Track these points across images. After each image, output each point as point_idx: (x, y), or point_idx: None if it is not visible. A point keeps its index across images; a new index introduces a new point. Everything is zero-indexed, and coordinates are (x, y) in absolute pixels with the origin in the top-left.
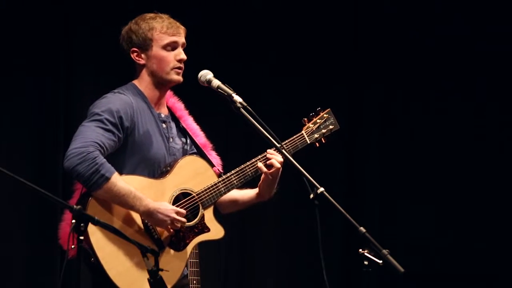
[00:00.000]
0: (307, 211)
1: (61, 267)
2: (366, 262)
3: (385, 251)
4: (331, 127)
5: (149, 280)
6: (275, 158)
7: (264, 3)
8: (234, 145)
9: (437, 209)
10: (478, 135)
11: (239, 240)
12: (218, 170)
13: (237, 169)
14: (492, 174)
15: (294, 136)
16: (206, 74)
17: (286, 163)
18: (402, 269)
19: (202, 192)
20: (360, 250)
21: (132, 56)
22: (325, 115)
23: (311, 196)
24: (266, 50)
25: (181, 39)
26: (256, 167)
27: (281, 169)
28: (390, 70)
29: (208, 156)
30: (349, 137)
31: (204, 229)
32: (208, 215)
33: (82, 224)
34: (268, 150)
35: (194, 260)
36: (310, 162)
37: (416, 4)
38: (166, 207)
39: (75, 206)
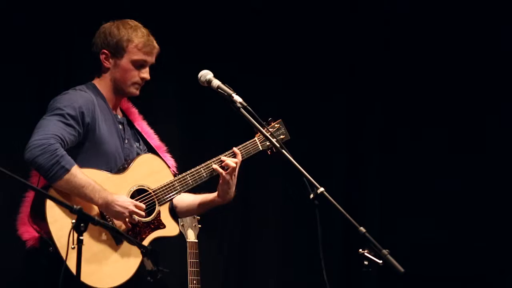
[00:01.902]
0: (307, 211)
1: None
2: (366, 262)
3: (385, 251)
4: (282, 136)
5: (149, 281)
6: (231, 159)
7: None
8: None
9: (437, 209)
10: (477, 135)
11: (239, 240)
12: (173, 171)
13: (192, 169)
14: (492, 175)
15: (247, 142)
16: (206, 74)
17: (286, 163)
18: (402, 269)
19: (159, 189)
20: (360, 250)
21: (100, 56)
22: (276, 125)
23: (311, 196)
24: (267, 59)
25: (152, 59)
26: (211, 168)
27: (237, 169)
28: (391, 77)
29: (163, 158)
30: (350, 138)
31: (160, 225)
32: (164, 212)
33: (82, 224)
34: (222, 155)
35: (194, 260)
36: (311, 163)
37: (420, 19)
38: (124, 200)
39: (75, 206)
